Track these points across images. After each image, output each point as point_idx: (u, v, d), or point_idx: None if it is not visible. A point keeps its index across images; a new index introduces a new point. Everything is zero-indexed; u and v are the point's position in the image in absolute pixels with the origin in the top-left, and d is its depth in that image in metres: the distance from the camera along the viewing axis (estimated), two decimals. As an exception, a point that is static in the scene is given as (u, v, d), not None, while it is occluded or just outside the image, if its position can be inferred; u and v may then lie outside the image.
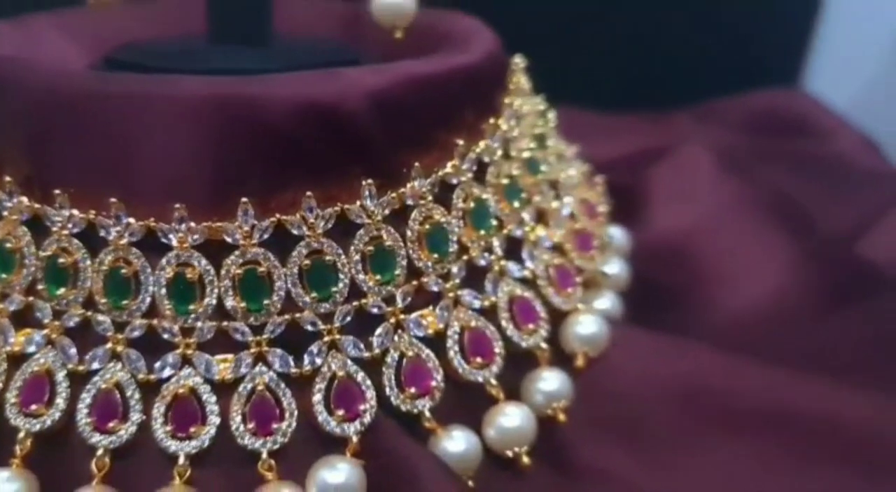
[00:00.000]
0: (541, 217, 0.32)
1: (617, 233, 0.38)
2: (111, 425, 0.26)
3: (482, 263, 0.29)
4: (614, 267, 0.35)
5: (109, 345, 0.26)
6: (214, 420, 0.26)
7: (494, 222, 0.29)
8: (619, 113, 0.73)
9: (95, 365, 0.26)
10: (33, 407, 0.26)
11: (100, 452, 0.25)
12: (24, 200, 0.26)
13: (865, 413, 0.31)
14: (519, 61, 0.34)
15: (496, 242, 0.29)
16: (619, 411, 0.30)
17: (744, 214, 0.47)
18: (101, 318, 0.26)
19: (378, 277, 0.27)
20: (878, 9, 0.63)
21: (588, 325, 0.31)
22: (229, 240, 0.26)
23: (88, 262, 0.26)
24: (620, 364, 0.31)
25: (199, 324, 0.26)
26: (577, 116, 0.72)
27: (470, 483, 0.27)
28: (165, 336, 0.26)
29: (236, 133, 0.25)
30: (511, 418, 0.28)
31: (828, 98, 0.70)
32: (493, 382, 0.28)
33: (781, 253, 0.43)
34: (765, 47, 0.73)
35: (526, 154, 0.31)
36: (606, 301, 0.33)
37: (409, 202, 0.27)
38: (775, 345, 0.37)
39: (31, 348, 0.26)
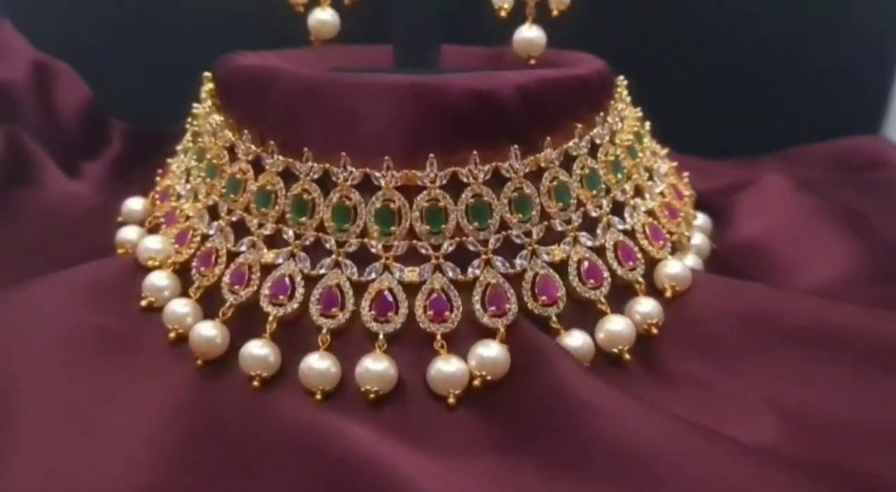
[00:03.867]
0: (638, 191, 0.42)
1: (701, 216, 0.47)
2: (332, 311, 0.37)
3: (594, 215, 0.39)
4: (697, 239, 0.45)
5: (333, 257, 0.37)
6: (404, 311, 0.36)
7: (603, 187, 0.40)
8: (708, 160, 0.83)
9: (323, 271, 0.37)
10: (280, 299, 0.37)
11: (324, 331, 0.36)
12: (281, 157, 0.38)
13: None
14: (622, 79, 0.45)
15: (604, 202, 0.40)
16: (699, 332, 0.39)
17: (813, 220, 0.56)
18: (328, 238, 0.37)
19: (520, 215, 0.38)
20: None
21: (674, 267, 0.40)
22: (419, 183, 0.37)
23: (322, 199, 0.37)
24: (699, 296, 0.40)
25: (395, 243, 0.37)
26: (672, 157, 0.83)
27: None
28: (372, 251, 0.37)
29: (424, 109, 0.37)
30: (616, 324, 0.38)
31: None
32: (603, 300, 0.38)
33: (843, 247, 0.52)
34: (846, 101, 0.81)
35: (627, 143, 0.42)
36: (691, 260, 0.43)
37: (543, 165, 0.38)
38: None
39: (279, 260, 0.38)
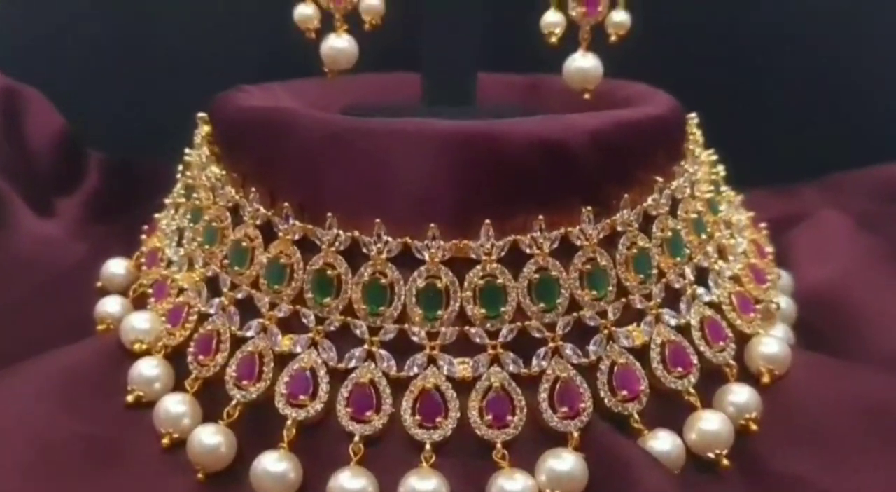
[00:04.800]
0: (720, 252, 0.35)
1: (784, 274, 0.41)
2: (366, 415, 0.30)
3: (677, 286, 0.33)
4: (784, 302, 0.38)
5: (365, 346, 0.30)
6: (455, 414, 0.30)
7: (686, 252, 0.33)
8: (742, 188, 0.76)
9: (353, 364, 0.30)
10: (300, 398, 0.30)
11: (356, 438, 0.29)
12: (297, 223, 0.31)
13: None
14: (694, 116, 0.38)
15: (688, 269, 0.33)
16: (805, 424, 0.32)
17: (885, 266, 0.49)
18: (358, 323, 0.30)
19: (593, 293, 0.31)
20: None
21: (771, 345, 0.34)
22: (473, 256, 0.30)
23: (350, 275, 0.30)
24: (802, 382, 0.33)
25: (443, 329, 0.30)
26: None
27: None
28: (414, 339, 0.30)
29: (479, 164, 0.30)
30: (711, 423, 0.31)
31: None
32: (692, 391, 0.32)
33: None
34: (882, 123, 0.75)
35: (708, 195, 0.35)
36: (780, 331, 0.36)
37: (619, 229, 0.31)
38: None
39: (297, 349, 0.31)
